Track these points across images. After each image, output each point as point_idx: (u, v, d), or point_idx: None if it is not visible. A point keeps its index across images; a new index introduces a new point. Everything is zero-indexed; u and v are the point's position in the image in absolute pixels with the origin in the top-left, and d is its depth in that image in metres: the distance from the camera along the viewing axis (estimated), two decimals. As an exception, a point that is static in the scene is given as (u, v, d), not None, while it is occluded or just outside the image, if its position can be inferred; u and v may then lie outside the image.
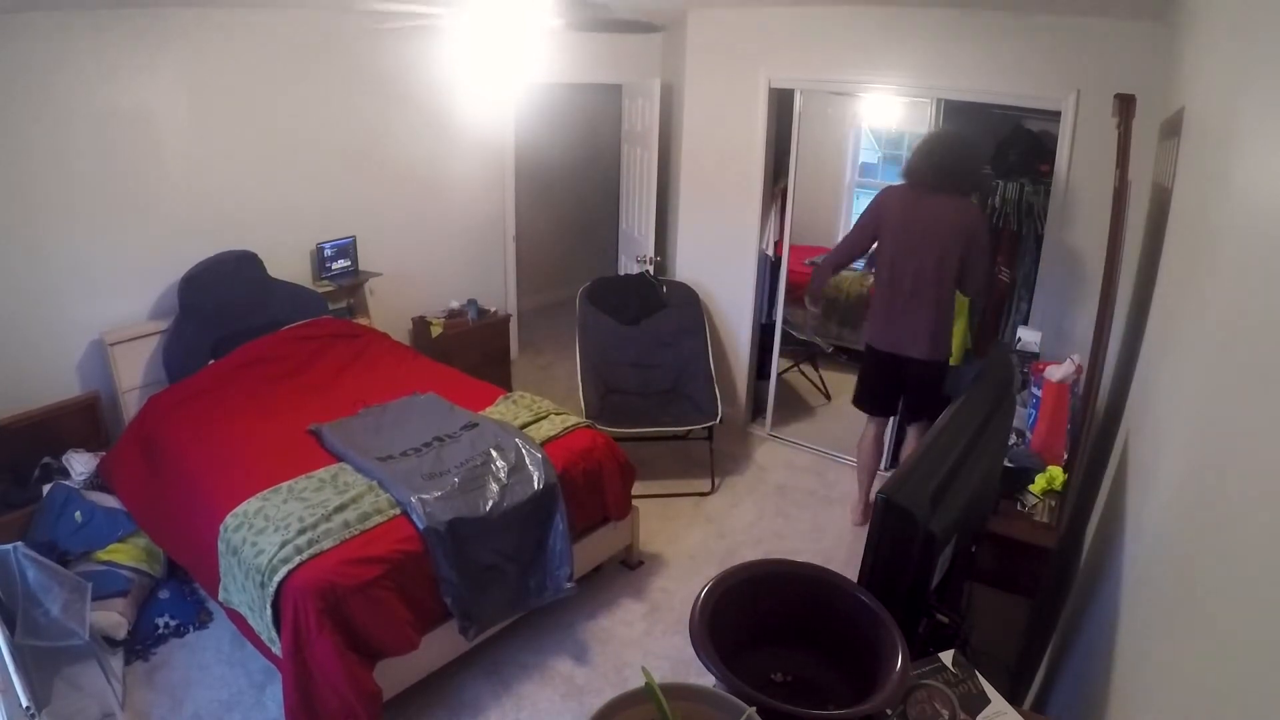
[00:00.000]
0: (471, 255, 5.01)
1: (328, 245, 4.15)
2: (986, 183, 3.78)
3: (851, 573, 1.37)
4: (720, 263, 4.54)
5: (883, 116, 4.96)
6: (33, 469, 3.18)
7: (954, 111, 3.67)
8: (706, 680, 1.11)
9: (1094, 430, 2.60)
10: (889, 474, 4.06)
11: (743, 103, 4.19)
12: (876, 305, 3.37)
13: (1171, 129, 2.19)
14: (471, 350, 4.57)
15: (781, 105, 4.21)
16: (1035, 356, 3.00)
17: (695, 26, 4.32)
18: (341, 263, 4.23)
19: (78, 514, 2.93)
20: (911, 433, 3.60)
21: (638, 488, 3.31)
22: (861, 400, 3.58)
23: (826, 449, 4.38)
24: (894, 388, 3.45)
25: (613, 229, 5.51)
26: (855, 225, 3.42)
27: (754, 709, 0.99)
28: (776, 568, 1.39)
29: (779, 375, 4.83)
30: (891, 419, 3.77)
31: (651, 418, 4.02)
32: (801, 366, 5.14)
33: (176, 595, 2.97)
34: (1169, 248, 1.91)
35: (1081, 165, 3.25)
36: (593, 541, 3.08)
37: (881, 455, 3.76)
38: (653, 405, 4.16)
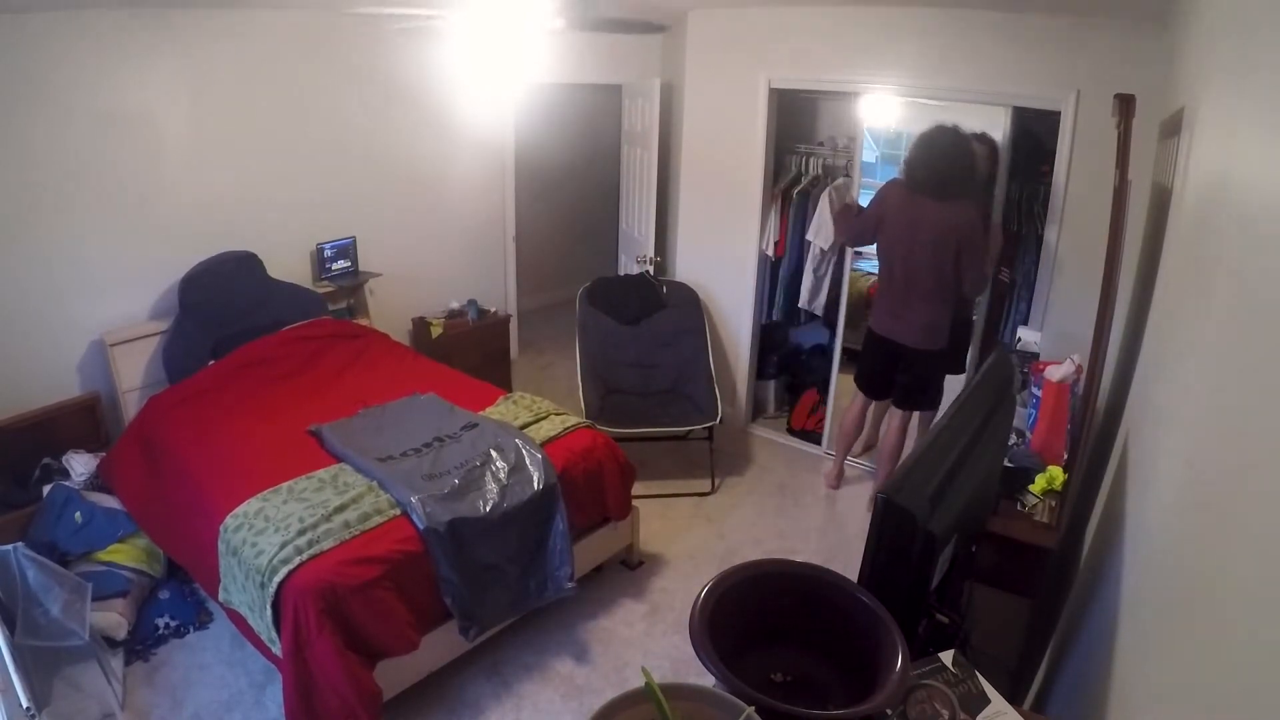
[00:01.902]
0: (471, 255, 5.01)
1: (328, 245, 4.15)
2: (983, 181, 3.71)
3: (851, 573, 1.37)
4: (720, 263, 4.54)
5: (881, 116, 4.94)
6: (33, 469, 3.18)
7: (1031, 118, 3.61)
8: (706, 680, 1.11)
9: (1094, 430, 2.60)
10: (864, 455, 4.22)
11: (743, 103, 4.19)
12: (879, 296, 3.57)
13: (1171, 129, 2.19)
14: (471, 350, 4.57)
15: (782, 105, 4.21)
16: (1035, 356, 3.00)
17: (695, 26, 4.32)
18: (341, 263, 4.23)
19: (78, 514, 2.93)
20: (895, 418, 3.69)
21: (638, 488, 3.31)
22: (859, 380, 3.78)
23: (827, 449, 4.38)
24: (888, 371, 3.63)
25: (613, 229, 5.51)
26: (864, 214, 3.56)
27: (754, 709, 0.99)
28: (776, 568, 1.39)
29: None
30: (875, 404, 3.98)
31: (651, 418, 4.02)
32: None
33: (176, 595, 2.97)
34: (1169, 248, 1.91)
35: (1081, 165, 3.25)
36: (593, 541, 3.08)
37: (861, 431, 3.98)
38: (653, 405, 4.16)
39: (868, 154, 5.51)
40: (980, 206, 3.37)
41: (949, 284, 3.29)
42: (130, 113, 3.38)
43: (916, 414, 3.67)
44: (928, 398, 3.57)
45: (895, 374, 3.60)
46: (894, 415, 3.69)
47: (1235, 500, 0.87)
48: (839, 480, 4.05)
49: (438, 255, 4.79)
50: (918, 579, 1.37)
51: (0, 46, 2.96)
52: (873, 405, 3.94)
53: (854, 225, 3.64)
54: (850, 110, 4.36)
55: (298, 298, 3.90)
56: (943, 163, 3.18)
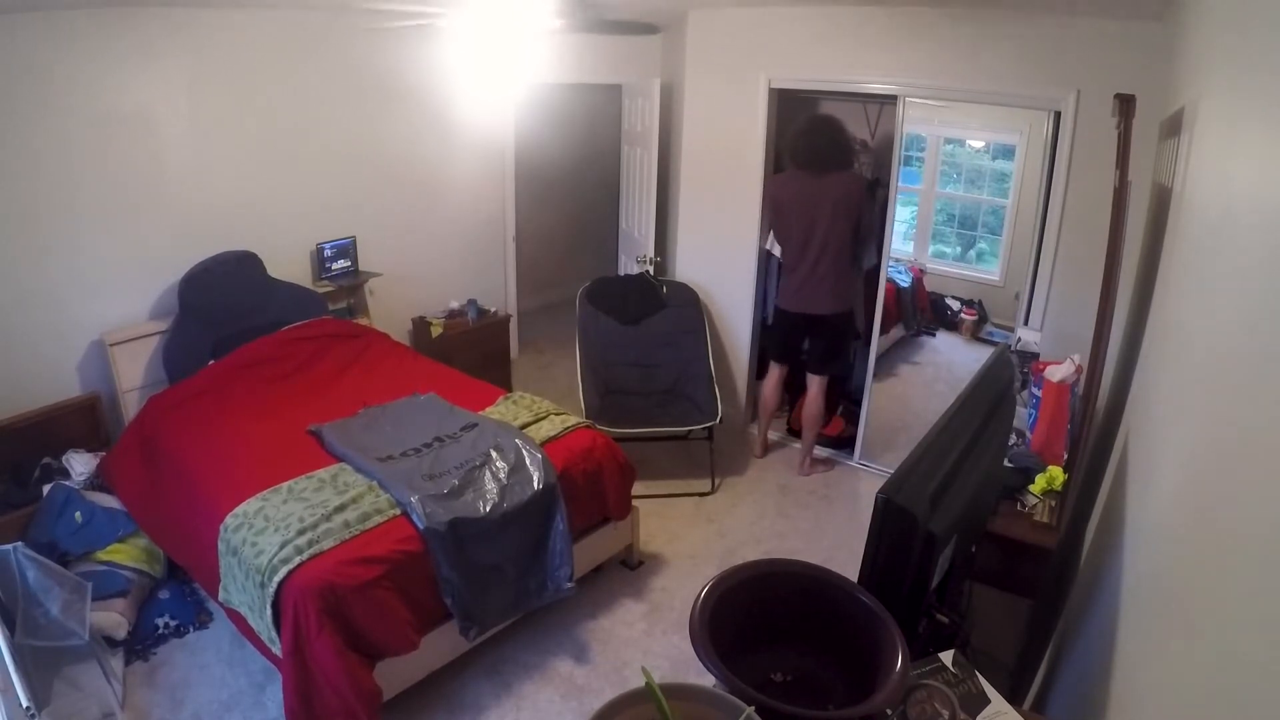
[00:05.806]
0: (471, 255, 5.01)
1: (328, 245, 4.15)
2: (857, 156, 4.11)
3: (851, 573, 1.37)
4: (720, 263, 4.54)
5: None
6: (33, 469, 3.18)
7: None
8: (706, 680, 1.11)
9: (1094, 430, 2.60)
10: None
11: (743, 103, 4.19)
12: (786, 276, 3.96)
13: (1171, 129, 2.19)
14: (471, 350, 4.57)
15: (783, 105, 4.21)
16: (1035, 356, 3.00)
17: (695, 26, 4.32)
18: (341, 263, 4.23)
19: (78, 514, 2.93)
20: (814, 385, 4.03)
21: (638, 488, 3.31)
22: (773, 354, 4.18)
23: (827, 449, 4.37)
24: (799, 341, 4.05)
25: (613, 229, 5.51)
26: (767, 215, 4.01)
27: (754, 709, 0.99)
28: (776, 568, 1.39)
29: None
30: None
31: (651, 418, 4.02)
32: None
33: (176, 595, 2.97)
34: (1169, 247, 1.91)
35: (1081, 165, 3.25)
36: (593, 541, 3.08)
37: (780, 398, 4.31)
38: (653, 405, 4.16)
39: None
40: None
41: (849, 247, 3.73)
42: (130, 113, 3.38)
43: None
44: (841, 360, 3.96)
45: (808, 342, 4.00)
46: (812, 382, 4.02)
47: (1235, 500, 0.87)
48: (765, 449, 4.36)
49: (438, 255, 4.79)
50: (918, 579, 1.37)
51: (1, 46, 2.96)
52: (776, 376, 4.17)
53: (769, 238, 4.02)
54: (851, 110, 4.37)
55: (298, 297, 3.90)
56: (827, 139, 3.63)
